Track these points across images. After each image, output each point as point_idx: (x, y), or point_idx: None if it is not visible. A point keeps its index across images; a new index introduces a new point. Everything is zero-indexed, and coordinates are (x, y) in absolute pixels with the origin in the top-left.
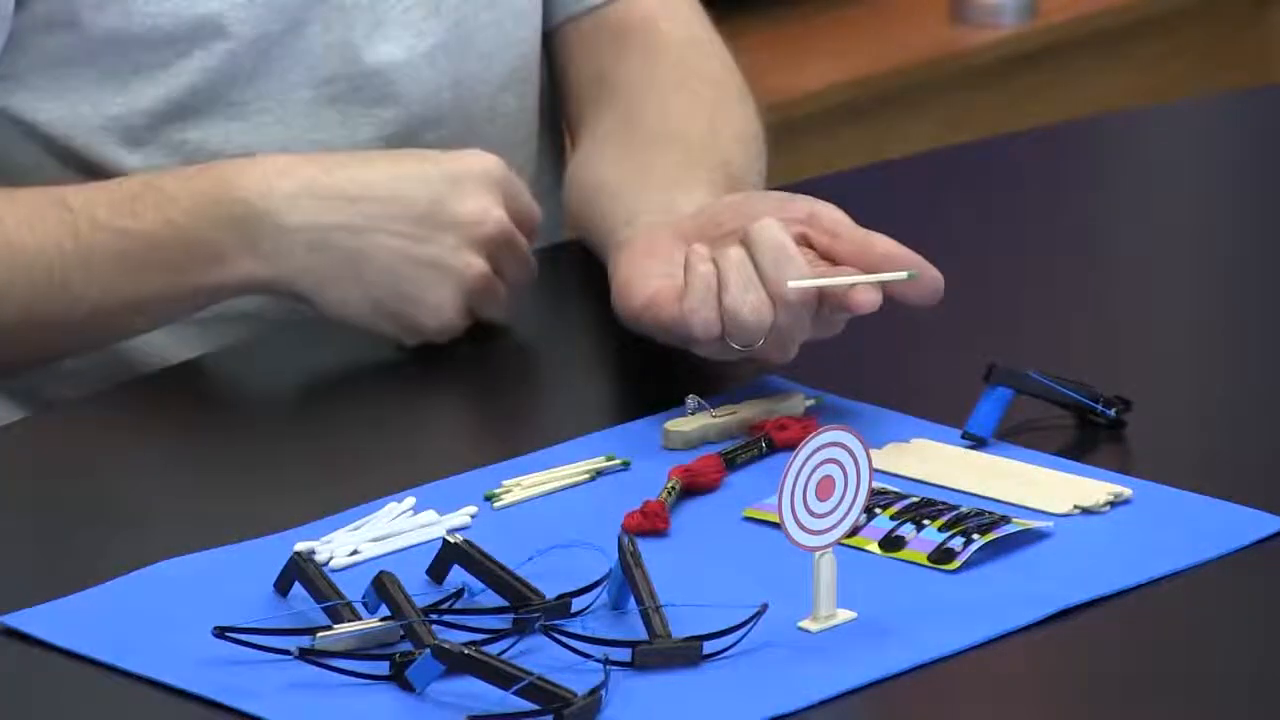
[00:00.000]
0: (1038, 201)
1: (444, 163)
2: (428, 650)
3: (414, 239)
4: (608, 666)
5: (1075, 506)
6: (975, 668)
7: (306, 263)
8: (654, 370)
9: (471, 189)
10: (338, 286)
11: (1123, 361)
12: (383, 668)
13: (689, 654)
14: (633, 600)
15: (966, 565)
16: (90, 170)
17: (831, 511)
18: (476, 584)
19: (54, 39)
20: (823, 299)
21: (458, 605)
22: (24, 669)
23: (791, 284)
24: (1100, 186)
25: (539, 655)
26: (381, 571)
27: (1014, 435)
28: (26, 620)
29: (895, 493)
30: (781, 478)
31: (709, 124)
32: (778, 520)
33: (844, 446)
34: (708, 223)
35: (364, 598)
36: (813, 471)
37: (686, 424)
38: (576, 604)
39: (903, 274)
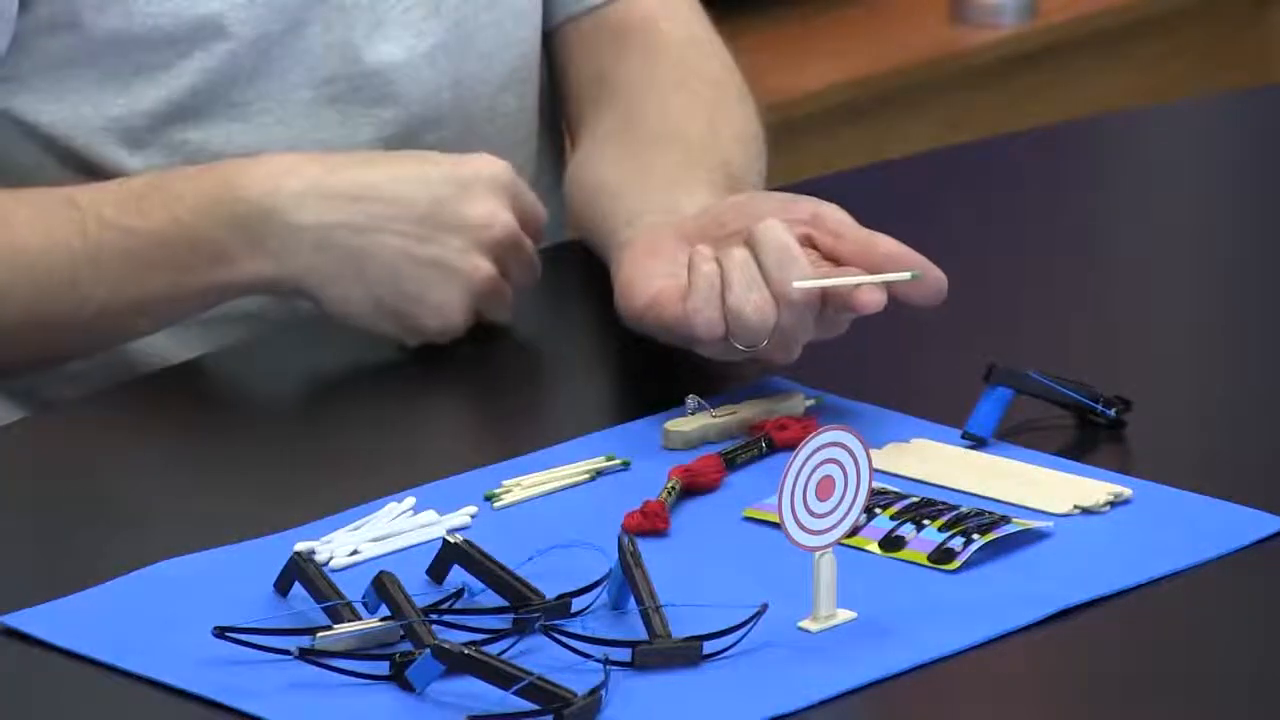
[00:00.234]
0: (1038, 201)
1: (450, 166)
2: (428, 650)
3: (416, 239)
4: (608, 666)
5: (1075, 506)
6: (975, 668)
7: (312, 261)
8: (654, 370)
9: (480, 193)
10: (340, 284)
11: (1123, 361)
12: (383, 668)
13: (689, 654)
14: (633, 600)
15: (966, 565)
16: (91, 171)
17: (831, 511)
18: (476, 584)
19: (56, 40)
20: (826, 299)
21: (458, 605)
22: (24, 669)
23: (796, 284)
24: (1100, 186)
25: (539, 655)
26: (381, 571)
27: (1014, 435)
28: (26, 620)
29: (895, 493)
30: (781, 478)
31: (709, 124)
32: (778, 520)
33: (844, 446)
34: (711, 223)
35: (364, 598)
36: (813, 471)
37: (686, 424)
38: (576, 604)
39: (906, 274)
